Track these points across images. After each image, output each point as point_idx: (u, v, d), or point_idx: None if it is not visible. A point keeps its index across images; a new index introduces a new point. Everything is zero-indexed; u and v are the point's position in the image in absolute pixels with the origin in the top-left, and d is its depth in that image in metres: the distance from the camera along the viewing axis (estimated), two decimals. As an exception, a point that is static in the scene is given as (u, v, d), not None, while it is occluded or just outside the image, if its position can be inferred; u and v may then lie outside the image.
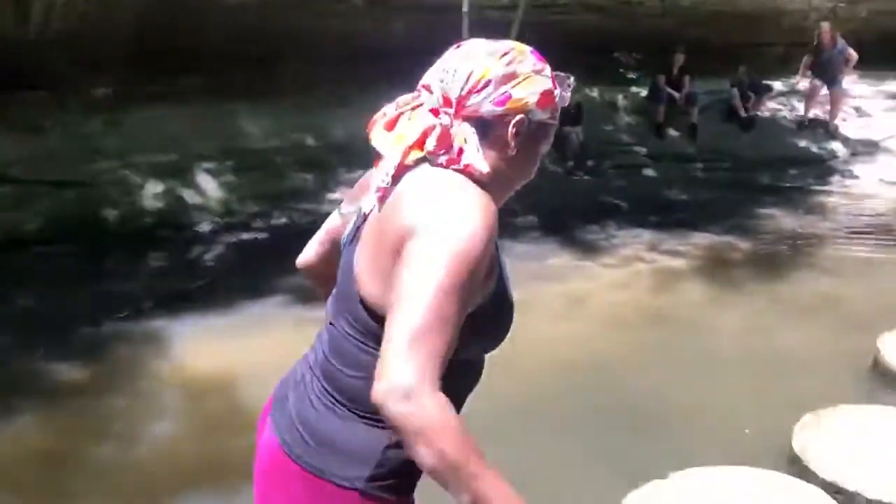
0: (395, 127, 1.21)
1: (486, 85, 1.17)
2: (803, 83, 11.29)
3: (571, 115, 9.78)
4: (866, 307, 5.23)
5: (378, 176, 1.22)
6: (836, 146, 10.74)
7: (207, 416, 3.95)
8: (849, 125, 11.12)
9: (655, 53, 10.92)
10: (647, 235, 7.08)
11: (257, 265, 6.02)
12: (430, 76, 1.23)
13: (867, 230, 7.63)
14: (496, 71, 1.18)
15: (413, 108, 1.21)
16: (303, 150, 8.34)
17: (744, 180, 9.60)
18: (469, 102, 1.18)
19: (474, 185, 1.15)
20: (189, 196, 7.49)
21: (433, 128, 1.17)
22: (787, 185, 9.70)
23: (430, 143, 1.16)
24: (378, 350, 1.05)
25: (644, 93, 10.89)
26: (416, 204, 1.13)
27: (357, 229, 1.27)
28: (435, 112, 1.19)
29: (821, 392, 3.76)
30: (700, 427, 3.48)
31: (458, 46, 1.24)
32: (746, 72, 10.94)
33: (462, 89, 1.18)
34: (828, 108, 11.13)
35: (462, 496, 0.98)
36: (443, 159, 1.16)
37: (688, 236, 7.04)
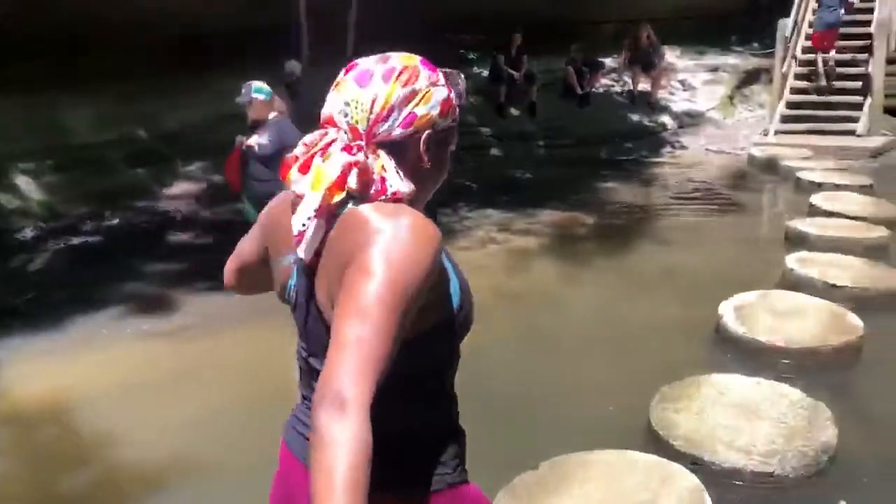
0: (309, 169, 1.19)
1: (391, 111, 1.20)
2: (626, 76, 11.93)
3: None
4: (703, 275, 5.53)
5: (297, 220, 1.19)
6: (665, 119, 11.37)
7: (38, 448, 3.55)
8: (676, 98, 11.79)
9: (494, 33, 11.04)
10: (497, 216, 7.16)
11: (89, 273, 5.54)
12: (331, 108, 1.23)
13: (695, 196, 8.12)
14: (396, 94, 1.20)
15: (324, 148, 1.20)
16: (133, 143, 7.76)
17: (583, 155, 9.95)
18: (378, 131, 1.20)
19: (405, 206, 1.17)
20: (5, 199, 6.80)
21: (351, 166, 1.17)
22: (623, 158, 10.14)
23: (353, 182, 1.16)
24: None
25: (485, 73, 11.00)
26: (358, 239, 1.12)
27: (308, 280, 1.24)
28: (348, 149, 1.19)
29: (673, 363, 3.91)
30: (565, 409, 3.50)
31: (348, 71, 1.24)
32: (580, 49, 11.29)
33: (368, 120, 1.20)
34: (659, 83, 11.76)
35: None
36: (370, 194, 1.17)
37: (536, 214, 7.18)
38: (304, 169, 1.19)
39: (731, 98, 12.11)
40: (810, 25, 11.22)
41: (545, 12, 11.39)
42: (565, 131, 10.58)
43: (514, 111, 10.76)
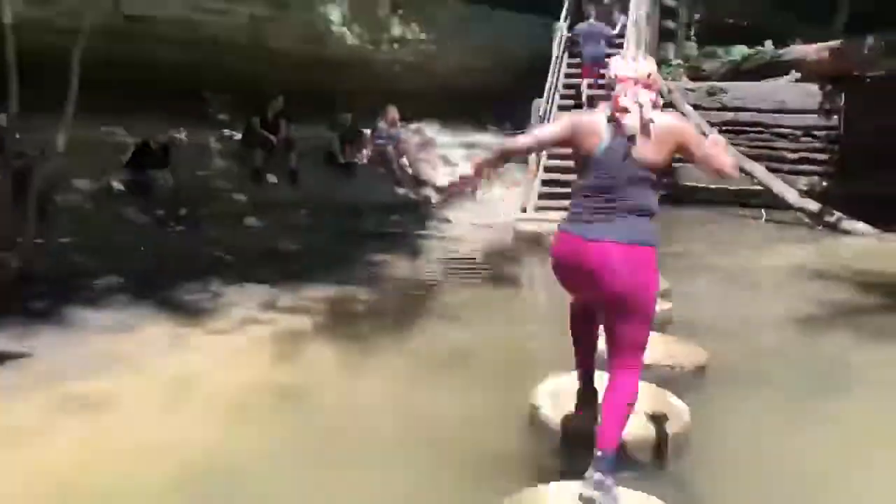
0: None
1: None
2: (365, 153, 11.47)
3: (157, 157, 8.51)
4: (500, 355, 5.00)
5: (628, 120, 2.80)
6: (429, 192, 11.11)
7: None
8: (439, 173, 11.63)
9: (248, 95, 10.19)
10: (260, 292, 6.17)
11: None
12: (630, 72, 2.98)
13: (472, 270, 7.74)
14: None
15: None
16: None
17: (350, 227, 9.30)
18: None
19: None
20: None
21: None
22: (391, 230, 9.63)
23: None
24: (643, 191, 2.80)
25: (238, 136, 10.05)
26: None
27: (628, 144, 2.77)
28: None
29: (489, 463, 3.24)
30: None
31: None
32: (344, 118, 10.79)
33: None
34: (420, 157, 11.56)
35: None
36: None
37: (305, 290, 6.29)
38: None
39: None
40: (559, 108, 11.75)
41: (304, 80, 10.80)
42: (329, 201, 9.88)
43: (272, 178, 9.87)
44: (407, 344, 5.16)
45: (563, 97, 11.98)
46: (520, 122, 12.91)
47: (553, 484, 2.92)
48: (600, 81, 11.78)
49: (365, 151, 11.38)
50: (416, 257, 8.40)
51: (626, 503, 2.77)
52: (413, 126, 12.69)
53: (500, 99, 14.31)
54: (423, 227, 10.02)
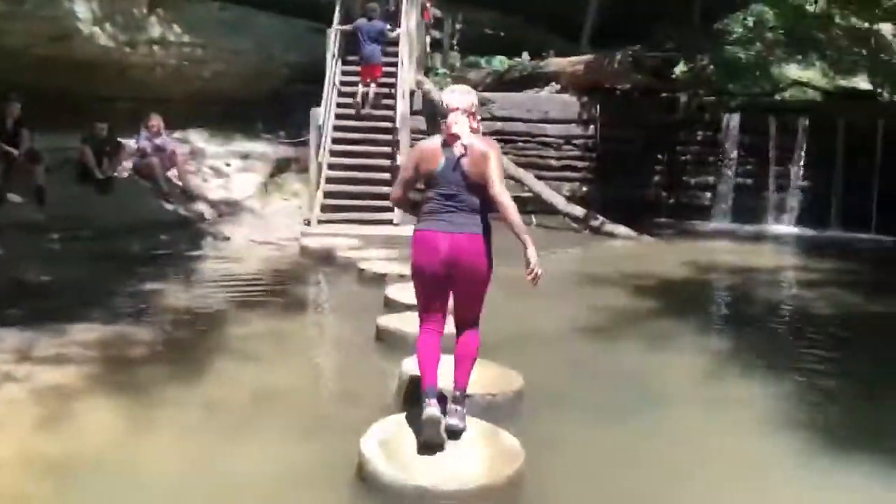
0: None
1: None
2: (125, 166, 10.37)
3: None
4: (309, 395, 4.61)
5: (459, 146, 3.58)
6: (202, 207, 10.27)
7: None
8: (210, 185, 10.80)
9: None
10: (9, 338, 5.20)
11: None
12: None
13: (261, 296, 7.16)
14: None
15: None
16: None
17: (112, 250, 8.31)
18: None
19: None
20: None
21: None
22: (161, 252, 8.75)
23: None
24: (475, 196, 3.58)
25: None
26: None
27: (457, 162, 3.56)
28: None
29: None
30: None
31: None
32: (100, 127, 9.64)
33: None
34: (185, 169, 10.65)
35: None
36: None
37: (68, 332, 5.41)
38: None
39: (266, 186, 11.61)
40: (337, 116, 11.46)
41: (50, 83, 9.51)
42: (85, 222, 8.74)
43: (15, 197, 8.55)
44: (198, 391, 4.57)
45: (340, 105, 11.69)
46: (296, 131, 12.46)
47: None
48: (376, 84, 11.66)
49: (125, 164, 10.26)
50: (194, 283, 7.67)
51: (474, 427, 3.66)
52: (179, 135, 11.71)
53: (272, 106, 13.70)
54: (198, 246, 9.23)
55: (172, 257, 8.60)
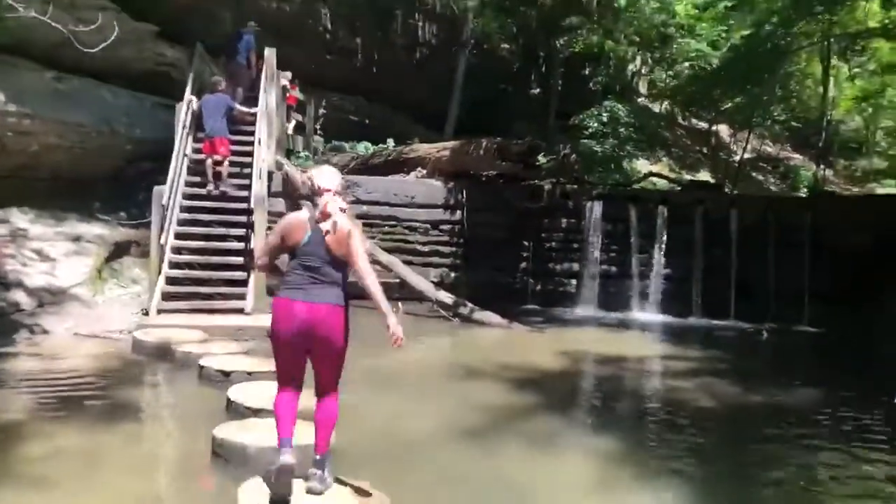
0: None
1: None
2: None
3: None
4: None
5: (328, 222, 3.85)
6: (19, 297, 8.86)
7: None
8: (31, 271, 9.39)
9: None
10: None
11: None
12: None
13: (74, 401, 5.97)
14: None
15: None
16: None
17: None
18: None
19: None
20: None
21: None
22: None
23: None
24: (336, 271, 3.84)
25: None
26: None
27: (323, 237, 3.82)
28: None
29: None
30: None
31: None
32: None
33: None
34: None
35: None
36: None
37: None
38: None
39: (100, 272, 10.30)
40: (185, 196, 10.49)
41: None
42: None
43: None
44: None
45: (188, 184, 10.72)
46: (139, 211, 11.30)
47: None
48: (226, 162, 10.83)
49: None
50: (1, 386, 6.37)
51: (337, 490, 3.78)
52: (-2, 214, 10.30)
53: (113, 184, 12.47)
54: (10, 341, 7.85)
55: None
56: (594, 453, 5.19)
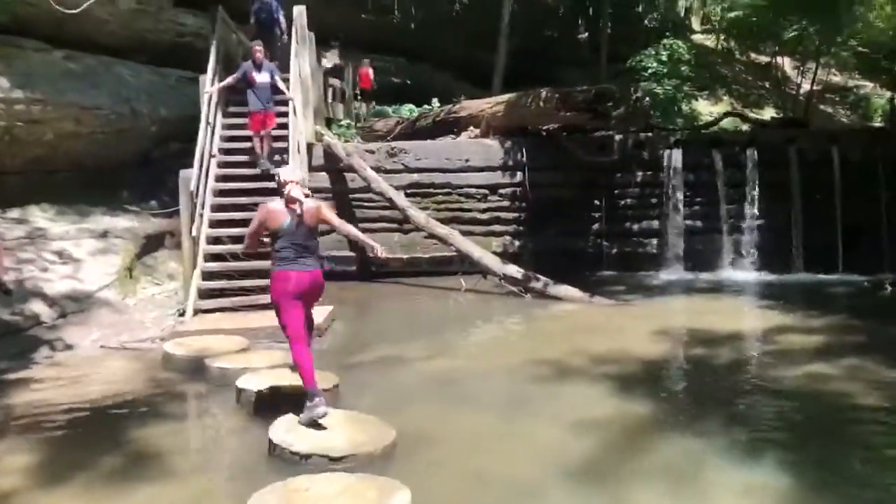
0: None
1: None
2: None
3: None
4: None
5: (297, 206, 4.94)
6: (37, 308, 7.83)
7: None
8: (53, 277, 8.38)
9: None
10: None
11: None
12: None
13: (77, 445, 4.89)
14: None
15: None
16: None
17: None
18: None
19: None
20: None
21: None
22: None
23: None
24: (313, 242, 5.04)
25: None
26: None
27: (300, 218, 4.90)
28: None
29: None
30: None
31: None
32: None
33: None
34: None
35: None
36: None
37: None
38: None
39: (130, 271, 9.27)
40: (218, 179, 9.36)
41: None
42: None
43: None
44: None
45: (221, 164, 9.58)
46: (172, 199, 10.19)
47: None
48: (270, 137, 9.74)
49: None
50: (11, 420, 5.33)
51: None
52: (17, 214, 9.34)
53: (140, 171, 11.44)
54: (28, 361, 6.86)
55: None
56: (762, 492, 3.84)
